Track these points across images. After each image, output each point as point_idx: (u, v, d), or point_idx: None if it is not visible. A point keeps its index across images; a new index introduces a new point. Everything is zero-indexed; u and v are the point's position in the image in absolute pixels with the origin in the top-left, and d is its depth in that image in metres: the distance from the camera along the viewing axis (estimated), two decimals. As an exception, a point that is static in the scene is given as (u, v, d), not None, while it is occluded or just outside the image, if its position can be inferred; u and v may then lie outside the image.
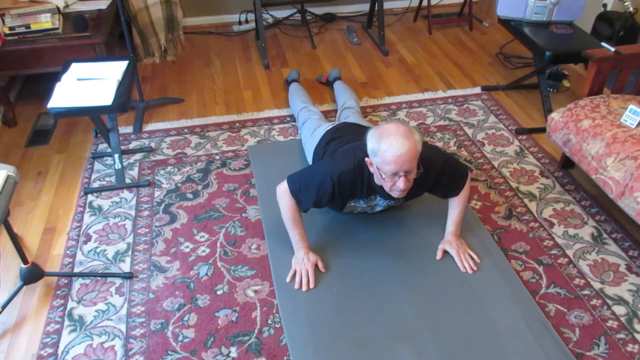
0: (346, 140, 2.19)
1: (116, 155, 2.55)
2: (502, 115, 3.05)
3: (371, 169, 1.88)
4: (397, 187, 1.82)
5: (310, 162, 2.45)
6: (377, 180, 1.89)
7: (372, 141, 1.80)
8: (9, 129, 3.03)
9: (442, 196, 2.16)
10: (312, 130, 2.51)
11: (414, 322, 1.86)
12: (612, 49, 2.34)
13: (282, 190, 2.03)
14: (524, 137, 2.85)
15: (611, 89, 2.51)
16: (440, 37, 4.05)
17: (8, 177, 1.78)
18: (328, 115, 3.00)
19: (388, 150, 1.74)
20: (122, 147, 2.76)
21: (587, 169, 2.16)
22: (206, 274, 2.08)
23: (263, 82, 3.47)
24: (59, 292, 2.03)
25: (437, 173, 2.00)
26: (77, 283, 2.06)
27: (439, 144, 2.80)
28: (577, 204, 2.40)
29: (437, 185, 2.06)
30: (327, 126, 2.43)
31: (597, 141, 2.12)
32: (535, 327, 1.84)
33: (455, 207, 2.14)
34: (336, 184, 1.93)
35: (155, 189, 2.53)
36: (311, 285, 2.00)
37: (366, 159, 1.87)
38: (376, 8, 3.84)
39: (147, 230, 2.30)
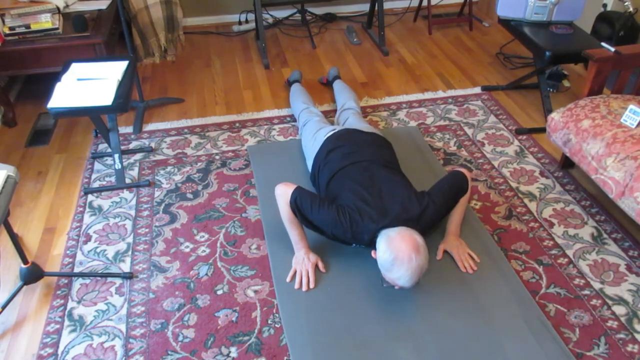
0: (347, 152, 2.21)
1: (116, 155, 2.55)
2: (502, 115, 3.05)
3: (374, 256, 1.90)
4: (394, 287, 1.91)
5: (309, 165, 2.44)
6: None
7: (384, 255, 1.81)
8: (9, 129, 3.03)
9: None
10: (313, 133, 2.51)
11: (414, 322, 1.86)
12: (612, 49, 2.34)
13: (280, 192, 2.03)
14: (524, 137, 2.85)
15: (611, 89, 2.51)
16: (440, 37, 4.05)
17: (8, 177, 1.78)
18: (328, 115, 3.00)
19: (399, 279, 1.80)
20: (122, 147, 2.76)
21: (587, 169, 2.16)
22: (206, 274, 2.08)
23: (263, 82, 3.47)
24: (59, 292, 2.03)
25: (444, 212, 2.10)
26: (77, 283, 2.06)
27: (439, 144, 2.80)
28: (577, 204, 2.40)
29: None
30: (327, 132, 2.42)
31: (597, 141, 2.12)
32: (535, 327, 1.84)
33: (456, 207, 2.14)
34: (332, 237, 2.02)
35: (155, 189, 2.53)
36: (311, 285, 2.00)
37: (372, 252, 1.89)
38: (376, 8, 3.84)
39: (147, 230, 2.30)
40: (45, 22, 2.87)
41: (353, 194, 2.00)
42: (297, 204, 1.98)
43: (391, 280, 1.83)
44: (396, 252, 1.78)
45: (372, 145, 2.28)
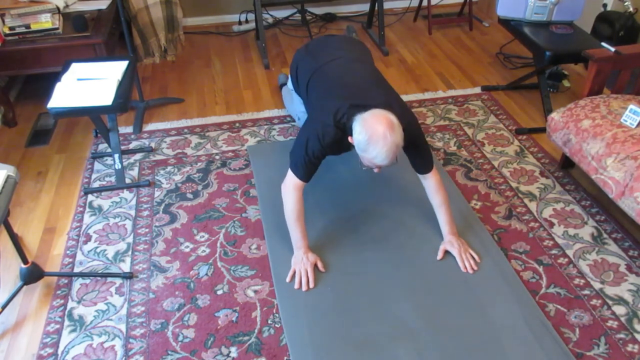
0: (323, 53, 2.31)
1: (116, 155, 2.55)
2: (502, 115, 3.05)
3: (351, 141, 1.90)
4: (373, 170, 1.93)
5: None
6: None
7: (359, 136, 1.81)
8: (9, 129, 3.03)
9: (413, 163, 2.12)
10: None
11: (414, 322, 1.86)
12: (612, 49, 2.34)
13: (287, 183, 2.04)
14: (524, 137, 2.85)
15: (611, 89, 2.52)
16: (440, 37, 4.05)
17: (8, 177, 1.78)
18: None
19: (375, 158, 1.81)
20: (122, 147, 2.76)
21: (587, 169, 2.16)
22: (206, 274, 2.08)
23: (263, 82, 3.47)
24: (59, 292, 2.03)
25: (412, 138, 1.98)
26: (77, 283, 2.06)
27: (439, 144, 2.80)
28: (577, 204, 2.40)
29: (410, 146, 2.01)
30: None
31: (597, 141, 2.12)
32: (535, 327, 1.84)
33: (438, 207, 2.15)
34: (325, 146, 1.96)
35: (155, 189, 2.53)
36: (311, 285, 2.00)
37: (349, 137, 1.89)
38: (376, 8, 3.84)
39: (147, 230, 2.30)
40: (45, 22, 2.87)
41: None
42: (291, 161, 2.03)
43: (369, 161, 1.85)
44: (370, 131, 1.78)
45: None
